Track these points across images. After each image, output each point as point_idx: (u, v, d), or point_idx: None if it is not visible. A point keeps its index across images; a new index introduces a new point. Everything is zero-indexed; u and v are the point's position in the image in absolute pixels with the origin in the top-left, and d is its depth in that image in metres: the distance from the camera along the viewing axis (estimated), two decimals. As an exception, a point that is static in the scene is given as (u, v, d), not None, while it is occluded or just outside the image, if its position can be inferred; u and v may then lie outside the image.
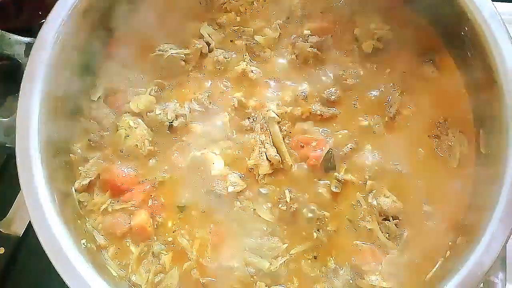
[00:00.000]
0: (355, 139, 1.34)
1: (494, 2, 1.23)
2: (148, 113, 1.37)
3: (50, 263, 1.09)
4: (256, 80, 1.41)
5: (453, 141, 1.32)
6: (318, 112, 1.35)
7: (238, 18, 1.48)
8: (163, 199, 1.31)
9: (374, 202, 1.27)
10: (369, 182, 1.29)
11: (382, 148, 1.33)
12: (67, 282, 1.08)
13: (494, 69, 1.19)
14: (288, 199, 1.28)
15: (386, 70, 1.40)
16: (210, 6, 1.49)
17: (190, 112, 1.37)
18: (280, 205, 1.28)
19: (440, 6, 1.34)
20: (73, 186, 1.32)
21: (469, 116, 1.33)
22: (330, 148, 1.31)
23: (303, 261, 1.25)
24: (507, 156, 1.13)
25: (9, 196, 1.53)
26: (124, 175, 1.33)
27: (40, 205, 1.13)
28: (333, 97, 1.37)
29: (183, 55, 1.42)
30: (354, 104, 1.38)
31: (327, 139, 1.34)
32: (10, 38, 1.31)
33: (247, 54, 1.44)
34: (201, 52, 1.44)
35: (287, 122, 1.36)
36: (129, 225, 1.29)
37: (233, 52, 1.45)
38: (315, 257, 1.25)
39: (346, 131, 1.35)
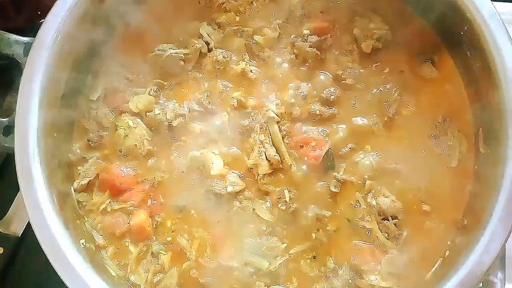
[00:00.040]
0: (354, 139, 1.34)
1: (493, 2, 1.23)
2: (147, 113, 1.37)
3: (49, 263, 1.09)
4: (255, 80, 1.41)
5: (452, 140, 1.32)
6: (318, 112, 1.35)
7: (238, 18, 1.48)
8: (162, 199, 1.31)
9: (374, 202, 1.27)
10: (368, 182, 1.29)
11: (381, 148, 1.33)
12: (66, 282, 1.08)
13: (493, 69, 1.19)
14: (287, 199, 1.28)
15: (385, 70, 1.40)
16: (209, 6, 1.50)
17: (189, 112, 1.37)
18: (279, 205, 1.28)
19: (439, 6, 1.34)
20: (72, 186, 1.32)
21: (468, 115, 1.34)
22: (329, 148, 1.31)
23: (302, 260, 1.25)
24: (506, 156, 1.13)
25: (8, 196, 1.53)
26: (123, 175, 1.33)
27: (39, 205, 1.13)
28: (332, 97, 1.37)
29: (182, 55, 1.42)
30: (354, 104, 1.38)
31: (326, 139, 1.34)
32: (9, 38, 1.30)
33: (246, 54, 1.44)
34: (200, 52, 1.44)
35: (286, 122, 1.36)
36: (128, 225, 1.29)
37: (233, 52, 1.45)
38: (314, 257, 1.25)
39: (345, 130, 1.35)
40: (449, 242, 1.24)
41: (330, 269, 1.24)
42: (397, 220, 1.26)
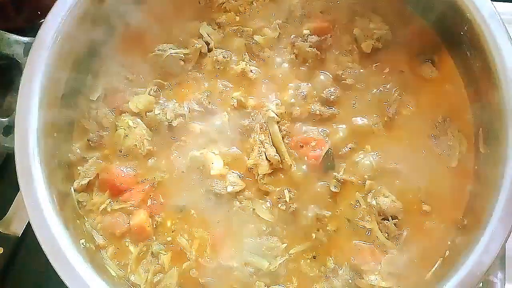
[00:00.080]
0: (354, 139, 1.34)
1: (493, 2, 1.23)
2: (147, 113, 1.37)
3: (49, 263, 1.09)
4: (255, 80, 1.41)
5: (452, 140, 1.32)
6: (318, 112, 1.35)
7: (238, 18, 1.48)
8: (162, 199, 1.31)
9: (373, 202, 1.27)
10: (368, 182, 1.29)
11: (381, 148, 1.33)
12: (66, 282, 1.08)
13: (493, 69, 1.19)
14: (287, 199, 1.28)
15: (385, 70, 1.40)
16: (209, 6, 1.50)
17: (189, 112, 1.37)
18: (279, 205, 1.28)
19: (439, 6, 1.34)
20: (72, 186, 1.32)
21: (468, 115, 1.34)
22: (329, 148, 1.31)
23: (302, 260, 1.25)
24: (506, 156, 1.13)
25: (8, 196, 1.53)
26: (123, 175, 1.33)
27: (39, 205, 1.13)
28: (332, 97, 1.37)
29: (182, 55, 1.42)
30: (353, 104, 1.38)
31: (326, 139, 1.34)
32: (9, 38, 1.30)
33: (246, 54, 1.44)
34: (200, 52, 1.44)
35: (286, 122, 1.36)
36: (128, 225, 1.29)
37: (233, 52, 1.45)
38: (314, 257, 1.25)
39: (345, 130, 1.35)
40: (449, 242, 1.24)
41: (330, 269, 1.24)
42: (397, 220, 1.26)
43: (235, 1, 1.48)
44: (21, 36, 1.32)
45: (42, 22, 1.26)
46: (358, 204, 1.29)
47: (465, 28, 1.27)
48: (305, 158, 1.32)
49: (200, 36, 1.45)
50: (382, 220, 1.26)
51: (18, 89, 1.20)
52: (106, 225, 1.30)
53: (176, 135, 1.36)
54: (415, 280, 1.22)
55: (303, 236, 1.26)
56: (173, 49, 1.43)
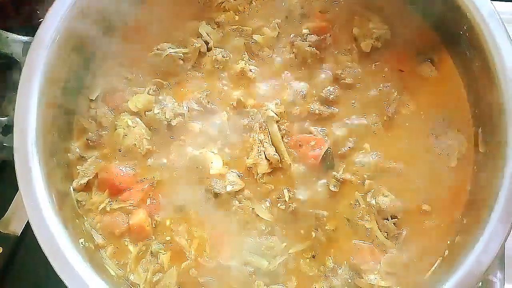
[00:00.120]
0: (353, 138, 1.34)
1: (493, 1, 1.23)
2: (146, 112, 1.37)
3: (49, 262, 1.09)
4: (254, 79, 1.41)
5: (451, 140, 1.32)
6: (317, 111, 1.35)
7: (237, 17, 1.48)
8: (162, 198, 1.31)
9: (373, 201, 1.27)
10: (367, 181, 1.29)
11: (380, 147, 1.33)
12: (65, 281, 1.08)
13: (492, 68, 1.19)
14: (286, 198, 1.28)
15: (385, 69, 1.40)
16: (208, 5, 1.49)
17: (188, 111, 1.37)
18: (278, 204, 1.28)
19: (439, 6, 1.33)
20: (71, 185, 1.32)
21: (468, 115, 1.33)
22: (328, 147, 1.31)
23: (301, 260, 1.25)
24: (506, 155, 1.13)
25: (7, 195, 1.52)
26: (122, 174, 1.32)
27: (38, 204, 1.13)
28: (331, 96, 1.37)
29: (181, 54, 1.42)
30: (353, 103, 1.38)
31: (326, 138, 1.34)
32: (8, 37, 1.30)
33: (245, 53, 1.44)
34: (199, 51, 1.44)
35: (285, 121, 1.36)
36: (127, 224, 1.29)
37: (232, 51, 1.44)
38: (313, 256, 1.25)
39: (345, 130, 1.35)
40: (448, 242, 1.24)
41: (329, 268, 1.24)
42: (396, 219, 1.26)
43: (234, 0, 1.48)
44: (20, 35, 1.31)
45: (41, 21, 1.26)
46: (357, 203, 1.29)
47: (465, 28, 1.27)
48: (305, 157, 1.32)
49: (200, 36, 1.45)
50: (381, 219, 1.26)
51: (17, 88, 1.20)
52: (106, 224, 1.30)
53: (175, 134, 1.36)
54: (415, 279, 1.22)
55: (303, 235, 1.27)
56: (173, 49, 1.42)
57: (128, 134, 1.35)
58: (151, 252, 1.27)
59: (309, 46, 1.40)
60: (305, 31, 1.43)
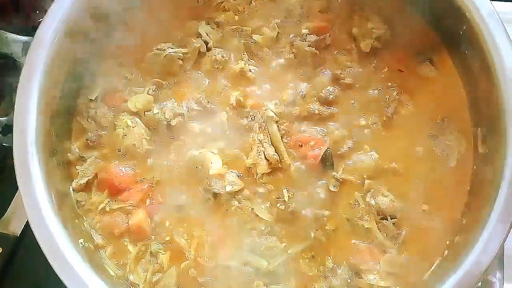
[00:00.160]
0: (353, 138, 1.34)
1: (492, 1, 1.23)
2: (146, 112, 1.37)
3: (48, 262, 1.09)
4: (254, 79, 1.41)
5: (451, 140, 1.32)
6: (316, 111, 1.35)
7: (236, 17, 1.48)
8: (161, 198, 1.31)
9: (372, 202, 1.27)
10: (367, 182, 1.29)
11: (380, 148, 1.33)
12: (65, 281, 1.08)
13: (492, 68, 1.19)
14: (286, 198, 1.28)
15: (384, 69, 1.40)
16: (208, 5, 1.49)
17: (188, 111, 1.37)
18: (278, 205, 1.28)
19: (438, 5, 1.33)
20: (70, 185, 1.32)
21: (467, 115, 1.34)
22: (328, 147, 1.31)
23: (301, 260, 1.25)
24: (505, 155, 1.13)
25: (7, 195, 1.52)
26: (122, 175, 1.32)
27: (37, 204, 1.13)
28: (331, 96, 1.37)
29: (181, 54, 1.42)
30: (352, 103, 1.38)
31: (325, 138, 1.34)
32: (7, 37, 1.31)
33: (245, 53, 1.44)
34: (199, 51, 1.44)
35: (285, 121, 1.36)
36: (127, 224, 1.29)
37: (231, 51, 1.44)
38: (313, 256, 1.25)
39: (344, 130, 1.35)
40: (447, 242, 1.24)
41: (329, 268, 1.24)
42: (396, 219, 1.26)
43: (234, 0, 1.48)
44: (20, 35, 1.31)
45: (40, 21, 1.25)
46: (357, 203, 1.29)
47: (464, 28, 1.27)
48: (304, 157, 1.32)
49: (199, 36, 1.45)
50: (381, 219, 1.26)
51: (16, 88, 1.20)
52: (105, 224, 1.30)
53: (175, 134, 1.36)
54: (414, 279, 1.22)
55: (302, 235, 1.26)
56: (172, 48, 1.42)
57: (128, 134, 1.35)
58: (151, 252, 1.27)
59: (309, 46, 1.40)
60: (304, 31, 1.43)
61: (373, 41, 1.40)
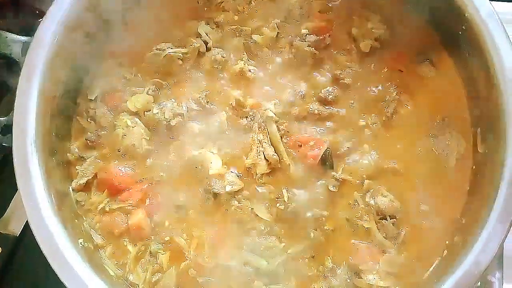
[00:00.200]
0: (352, 138, 1.34)
1: (492, 2, 1.23)
2: (145, 112, 1.37)
3: (48, 262, 1.09)
4: (254, 79, 1.41)
5: (450, 140, 1.32)
6: (316, 112, 1.35)
7: (236, 17, 1.48)
8: (161, 198, 1.31)
9: (372, 202, 1.27)
10: (366, 182, 1.29)
11: (379, 147, 1.33)
12: (64, 281, 1.08)
13: (491, 68, 1.19)
14: (285, 198, 1.28)
15: (384, 70, 1.40)
16: (207, 5, 1.49)
17: (187, 111, 1.37)
18: (278, 205, 1.28)
19: (438, 6, 1.33)
20: (70, 185, 1.32)
21: (467, 115, 1.34)
22: (327, 147, 1.31)
23: (300, 260, 1.25)
24: (505, 155, 1.13)
25: (7, 195, 1.52)
26: (121, 175, 1.32)
27: (37, 204, 1.13)
28: (330, 96, 1.37)
29: (180, 54, 1.42)
30: (352, 104, 1.38)
31: (325, 139, 1.34)
32: (7, 37, 1.30)
33: (245, 53, 1.44)
34: (198, 51, 1.44)
35: (284, 121, 1.36)
36: (126, 224, 1.29)
37: (231, 51, 1.44)
38: (312, 256, 1.25)
39: (344, 130, 1.35)
40: (447, 242, 1.24)
41: (328, 268, 1.24)
42: (395, 219, 1.26)
43: (234, 0, 1.48)
44: (20, 35, 1.31)
45: (40, 21, 1.25)
46: (356, 203, 1.29)
47: (464, 28, 1.27)
48: (304, 157, 1.32)
49: (199, 36, 1.45)
50: (380, 219, 1.26)
51: (16, 88, 1.20)
52: (105, 224, 1.30)
53: (175, 134, 1.36)
54: (413, 279, 1.22)
55: (302, 235, 1.26)
56: (171, 48, 1.42)
57: (127, 134, 1.35)
58: (150, 252, 1.27)
59: (308, 46, 1.40)
60: (304, 31, 1.43)
61: (373, 41, 1.40)
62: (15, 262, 1.52)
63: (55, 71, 1.26)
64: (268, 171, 1.30)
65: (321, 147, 1.32)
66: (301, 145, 1.33)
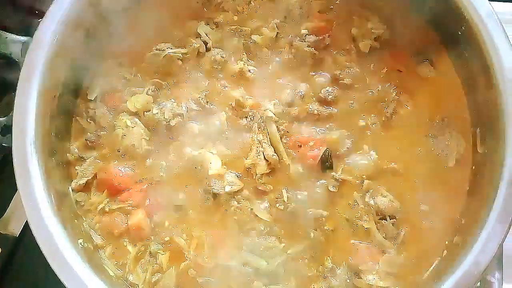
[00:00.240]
0: (352, 139, 1.34)
1: (491, 2, 1.23)
2: (145, 112, 1.37)
3: (47, 263, 1.09)
4: (253, 80, 1.41)
5: (450, 140, 1.32)
6: (316, 112, 1.35)
7: (236, 18, 1.48)
8: (160, 198, 1.31)
9: (371, 202, 1.27)
10: (366, 182, 1.29)
11: (379, 148, 1.33)
12: (64, 282, 1.08)
13: (490, 68, 1.20)
14: (285, 199, 1.28)
15: (383, 70, 1.40)
16: (207, 5, 1.49)
17: (187, 112, 1.37)
18: (277, 205, 1.28)
19: (437, 6, 1.34)
20: (70, 185, 1.32)
21: (466, 115, 1.34)
22: (327, 148, 1.31)
23: (300, 260, 1.25)
24: (504, 156, 1.14)
25: (6, 195, 1.52)
26: (121, 175, 1.32)
27: (37, 204, 1.13)
28: (330, 96, 1.37)
29: (180, 54, 1.42)
30: (351, 104, 1.38)
31: (324, 139, 1.34)
32: (7, 37, 1.30)
33: (244, 53, 1.44)
34: (198, 51, 1.44)
35: (284, 121, 1.36)
36: (126, 224, 1.29)
37: (231, 52, 1.44)
38: (312, 257, 1.25)
39: (343, 130, 1.35)
40: (446, 242, 1.24)
41: (328, 268, 1.24)
42: (395, 219, 1.26)
43: (233, 0, 1.48)
44: (19, 35, 1.31)
45: (39, 22, 1.25)
46: (356, 203, 1.29)
47: (463, 28, 1.27)
48: (303, 157, 1.32)
49: (198, 36, 1.45)
50: (380, 219, 1.26)
51: (15, 88, 1.20)
52: (104, 225, 1.30)
53: (174, 134, 1.36)
54: (413, 279, 1.22)
55: (301, 235, 1.27)
56: (171, 49, 1.42)
57: (127, 135, 1.35)
58: (150, 253, 1.27)
59: (308, 46, 1.40)
60: (303, 31, 1.43)
61: (372, 42, 1.41)
62: (15, 262, 1.52)
63: (55, 71, 1.26)
64: (267, 171, 1.30)
65: (320, 147, 1.32)
66: (300, 146, 1.33)
